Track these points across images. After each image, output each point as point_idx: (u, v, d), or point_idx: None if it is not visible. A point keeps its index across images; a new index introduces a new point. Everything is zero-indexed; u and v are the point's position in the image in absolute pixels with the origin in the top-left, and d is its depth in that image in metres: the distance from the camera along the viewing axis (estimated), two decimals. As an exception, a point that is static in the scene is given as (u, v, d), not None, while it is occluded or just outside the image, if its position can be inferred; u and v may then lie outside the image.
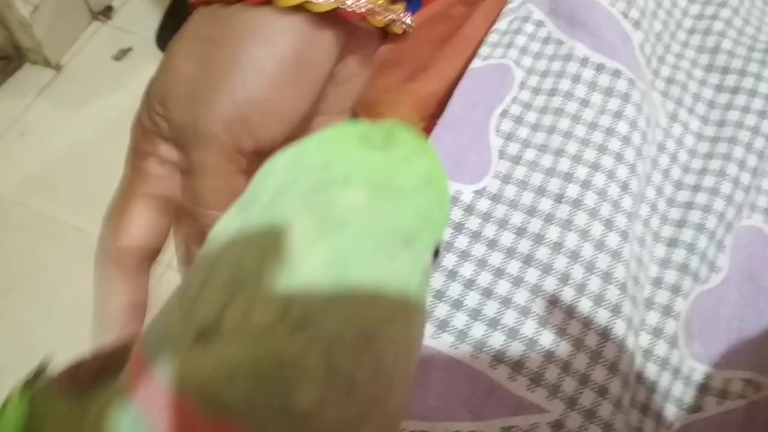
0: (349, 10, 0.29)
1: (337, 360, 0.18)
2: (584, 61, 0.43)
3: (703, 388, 0.36)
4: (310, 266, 0.19)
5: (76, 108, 1.15)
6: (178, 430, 0.18)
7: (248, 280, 0.19)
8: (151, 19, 1.26)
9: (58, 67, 1.20)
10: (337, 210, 0.20)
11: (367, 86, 0.44)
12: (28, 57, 1.20)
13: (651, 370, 0.36)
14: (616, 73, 0.42)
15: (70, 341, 0.86)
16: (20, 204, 1.03)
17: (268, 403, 0.18)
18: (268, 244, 0.19)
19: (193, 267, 0.21)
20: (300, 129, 0.31)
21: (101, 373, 0.24)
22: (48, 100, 1.17)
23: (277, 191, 0.20)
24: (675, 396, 0.36)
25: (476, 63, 0.45)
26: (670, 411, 0.36)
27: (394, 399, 0.20)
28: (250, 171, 0.28)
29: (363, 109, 0.49)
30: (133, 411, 0.19)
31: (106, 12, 1.26)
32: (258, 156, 0.28)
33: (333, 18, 0.29)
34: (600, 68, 0.42)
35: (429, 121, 0.49)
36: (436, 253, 0.23)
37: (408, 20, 0.32)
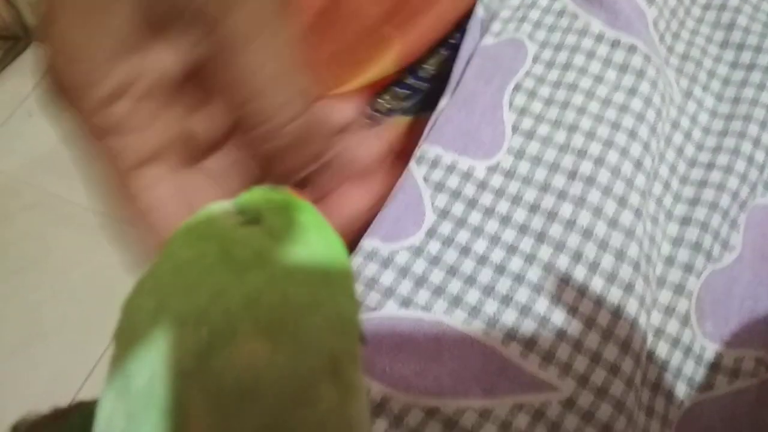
0: None
1: None
2: (599, 38, 0.42)
3: (714, 367, 0.36)
4: None
5: (83, 88, 1.15)
6: None
7: None
8: (158, -1, 1.25)
9: (65, 47, 1.20)
10: (236, 377, 0.15)
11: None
12: (36, 36, 1.20)
13: (662, 349, 0.36)
14: (632, 49, 0.41)
15: (79, 320, 0.87)
16: (30, 184, 1.03)
17: None
18: None
19: None
20: None
21: None
22: (56, 80, 1.18)
23: (153, 369, 0.15)
24: (686, 374, 0.36)
25: (488, 39, 0.44)
26: (681, 389, 0.36)
27: None
28: None
29: (338, 60, 0.47)
30: None
31: (113, -9, 1.26)
32: None
33: None
34: (615, 44, 0.42)
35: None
36: (363, 339, 0.18)
37: None
